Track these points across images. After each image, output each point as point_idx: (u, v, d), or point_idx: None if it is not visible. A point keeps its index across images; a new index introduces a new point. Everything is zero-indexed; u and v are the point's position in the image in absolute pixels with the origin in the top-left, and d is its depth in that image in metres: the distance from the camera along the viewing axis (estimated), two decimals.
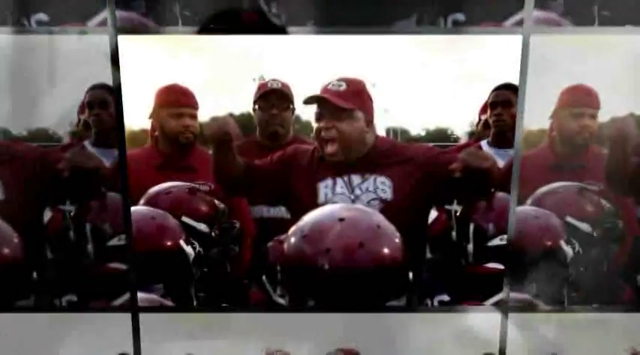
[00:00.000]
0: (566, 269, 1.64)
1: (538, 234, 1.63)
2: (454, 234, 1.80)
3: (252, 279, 1.96)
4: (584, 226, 1.82)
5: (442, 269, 1.83)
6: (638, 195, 2.17)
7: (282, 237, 1.38)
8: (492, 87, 2.52)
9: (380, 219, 1.32)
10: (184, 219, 1.73)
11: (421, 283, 1.80)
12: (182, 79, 2.40)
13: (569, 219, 1.78)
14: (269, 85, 2.52)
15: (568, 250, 1.63)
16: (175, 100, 2.32)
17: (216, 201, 1.90)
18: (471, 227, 1.75)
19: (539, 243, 1.62)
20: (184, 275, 1.57)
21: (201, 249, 1.62)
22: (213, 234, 1.80)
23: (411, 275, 1.30)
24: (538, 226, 1.64)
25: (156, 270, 1.51)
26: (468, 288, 1.68)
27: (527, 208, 1.69)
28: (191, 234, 1.65)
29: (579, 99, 2.29)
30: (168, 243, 1.55)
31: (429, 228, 2.01)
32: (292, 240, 1.30)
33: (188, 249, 1.55)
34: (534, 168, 2.06)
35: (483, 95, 2.67)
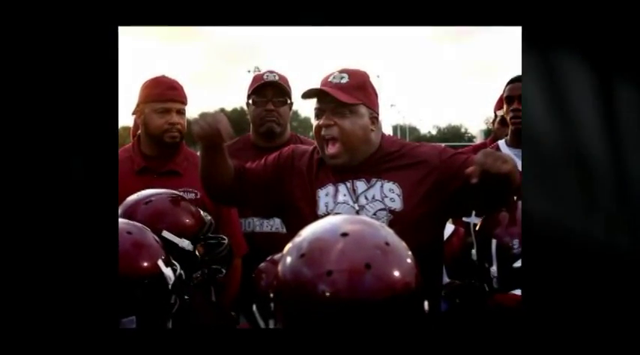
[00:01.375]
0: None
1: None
2: (474, 252, 1.61)
3: (240, 310, 1.79)
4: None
5: (463, 298, 1.65)
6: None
7: (277, 256, 1.19)
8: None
9: (389, 234, 1.12)
10: (165, 233, 1.55)
11: (439, 315, 1.62)
12: (169, 70, 2.23)
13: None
14: (265, 77, 2.35)
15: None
16: (161, 94, 2.13)
17: (203, 213, 1.71)
18: (493, 244, 1.55)
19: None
20: (161, 305, 1.37)
21: (182, 272, 1.42)
22: (197, 252, 1.61)
23: (426, 304, 1.10)
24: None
25: (129, 298, 1.31)
26: (495, 320, 1.48)
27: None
28: (172, 252, 1.45)
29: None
30: (145, 264, 1.35)
31: (445, 245, 1.83)
32: (288, 260, 1.10)
33: (168, 272, 1.35)
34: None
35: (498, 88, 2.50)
